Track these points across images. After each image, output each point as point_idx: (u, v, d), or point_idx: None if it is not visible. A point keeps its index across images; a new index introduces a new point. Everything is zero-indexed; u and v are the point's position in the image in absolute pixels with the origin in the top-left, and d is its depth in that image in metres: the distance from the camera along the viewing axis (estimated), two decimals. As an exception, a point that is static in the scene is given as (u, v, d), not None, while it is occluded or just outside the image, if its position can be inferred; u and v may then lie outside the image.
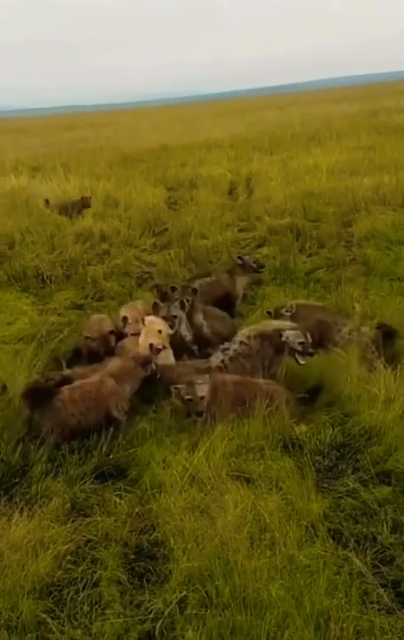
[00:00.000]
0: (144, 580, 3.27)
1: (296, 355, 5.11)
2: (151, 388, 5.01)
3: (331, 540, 3.38)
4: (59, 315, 7.54)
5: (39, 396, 4.61)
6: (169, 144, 23.89)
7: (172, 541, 3.40)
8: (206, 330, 6.35)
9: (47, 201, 12.25)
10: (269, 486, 3.87)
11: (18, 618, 2.99)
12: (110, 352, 5.67)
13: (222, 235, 10.40)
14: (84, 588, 3.19)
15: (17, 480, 4.23)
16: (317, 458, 4.28)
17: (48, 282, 8.88)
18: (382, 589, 3.09)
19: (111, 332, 5.84)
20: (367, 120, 25.72)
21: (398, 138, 18.33)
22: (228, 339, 5.73)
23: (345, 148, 17.50)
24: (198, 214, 11.69)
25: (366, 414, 4.55)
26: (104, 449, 4.39)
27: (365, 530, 3.49)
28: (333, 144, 18.83)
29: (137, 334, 5.64)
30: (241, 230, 11.05)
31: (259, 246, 10.01)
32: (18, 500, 3.96)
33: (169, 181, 16.05)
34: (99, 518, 3.71)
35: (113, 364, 4.97)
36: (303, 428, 4.56)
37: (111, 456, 4.33)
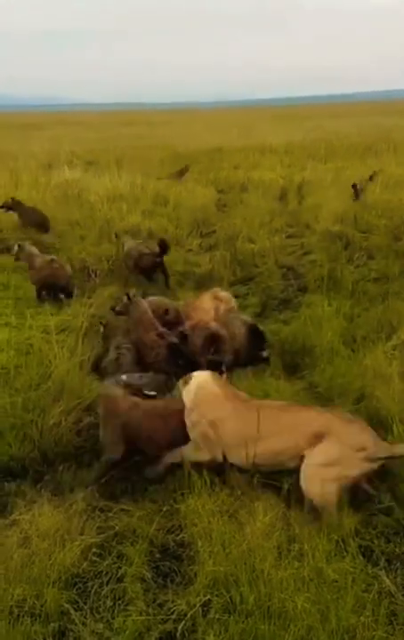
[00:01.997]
0: (168, 580, 3.25)
1: None
2: None
3: (361, 557, 3.30)
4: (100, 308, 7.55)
5: None
6: (224, 146, 23.94)
7: (199, 543, 3.37)
8: None
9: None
10: (301, 496, 3.81)
11: (42, 606, 2.99)
12: None
13: (269, 240, 10.36)
14: (108, 582, 3.18)
15: (48, 468, 4.28)
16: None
17: (93, 275, 8.95)
18: (410, 611, 3.01)
19: None
20: (427, 134, 25.37)
21: None
22: None
23: (402, 161, 17.28)
24: (247, 218, 11.67)
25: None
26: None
27: (397, 549, 3.40)
28: (389, 156, 18.62)
29: None
30: (289, 236, 11.01)
31: (306, 253, 9.94)
32: (48, 488, 3.99)
33: (220, 183, 16.09)
34: (128, 511, 3.71)
35: None
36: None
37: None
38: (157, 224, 11.37)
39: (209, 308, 6.44)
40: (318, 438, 3.58)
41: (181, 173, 16.40)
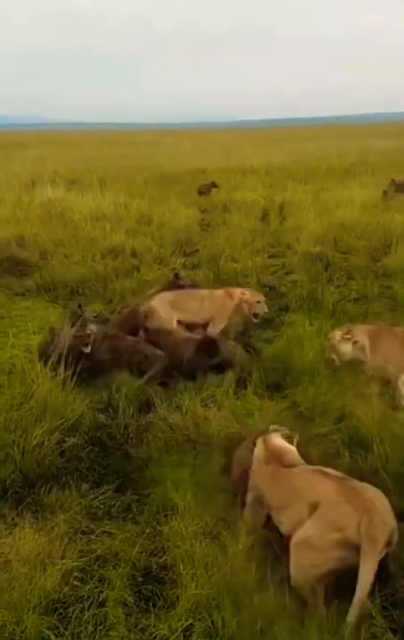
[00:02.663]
0: (150, 604, 3.21)
1: None
2: None
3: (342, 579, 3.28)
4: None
5: None
6: (206, 167, 24.15)
7: (181, 566, 3.34)
8: None
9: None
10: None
11: (22, 633, 2.94)
12: None
13: (252, 259, 10.44)
14: (89, 607, 3.13)
15: (29, 490, 4.23)
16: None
17: (77, 294, 8.95)
18: (391, 634, 3.00)
19: None
20: (405, 157, 25.81)
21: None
22: None
23: (380, 184, 17.56)
24: (230, 238, 11.76)
25: (384, 450, 4.45)
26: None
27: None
28: (368, 178, 18.91)
29: None
30: (271, 256, 11.10)
31: (287, 273, 10.02)
32: (30, 510, 3.95)
33: (203, 203, 16.19)
34: (110, 533, 3.68)
35: None
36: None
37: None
38: (140, 243, 11.42)
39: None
40: (313, 510, 3.20)
41: (209, 189, 17.82)
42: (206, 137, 60.53)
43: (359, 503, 3.10)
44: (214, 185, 18.02)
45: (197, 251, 11.32)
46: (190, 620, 3.00)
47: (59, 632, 2.99)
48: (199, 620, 3.00)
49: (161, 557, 3.52)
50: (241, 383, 5.82)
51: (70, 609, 3.13)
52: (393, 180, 16.41)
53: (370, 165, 23.03)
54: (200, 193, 17.66)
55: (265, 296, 8.84)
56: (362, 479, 3.94)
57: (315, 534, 3.10)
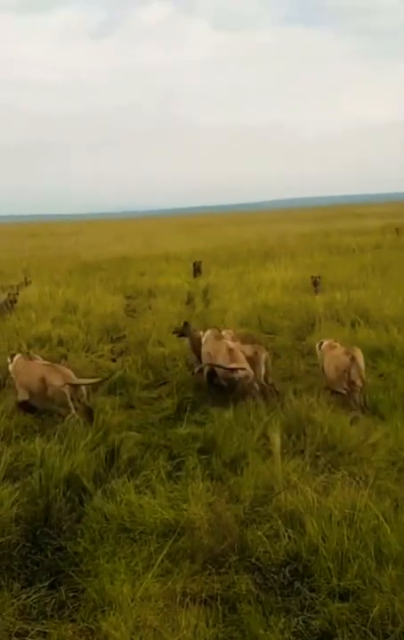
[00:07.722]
0: None
1: None
2: None
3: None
4: (10, 419, 7.35)
5: None
6: (129, 255, 24.73)
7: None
8: None
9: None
10: (225, 607, 3.73)
11: None
12: None
13: (179, 343, 10.55)
14: None
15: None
16: (272, 575, 4.14)
17: (4, 386, 8.75)
18: None
19: None
20: (320, 240, 27.26)
21: (348, 258, 19.41)
22: None
23: (299, 266, 18.40)
24: (156, 322, 11.92)
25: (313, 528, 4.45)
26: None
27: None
28: (287, 261, 19.79)
29: None
30: (198, 340, 11.25)
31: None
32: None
33: (128, 290, 16.48)
34: (46, 633, 3.51)
35: None
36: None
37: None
38: (67, 331, 11.41)
39: None
40: None
41: (197, 270, 18.53)
42: (126, 226, 62.17)
43: None
44: (198, 264, 18.87)
45: (124, 336, 11.41)
46: None
47: None
48: None
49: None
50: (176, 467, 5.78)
51: None
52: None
53: (289, 249, 24.14)
54: (196, 270, 18.59)
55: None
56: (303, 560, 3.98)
57: None
